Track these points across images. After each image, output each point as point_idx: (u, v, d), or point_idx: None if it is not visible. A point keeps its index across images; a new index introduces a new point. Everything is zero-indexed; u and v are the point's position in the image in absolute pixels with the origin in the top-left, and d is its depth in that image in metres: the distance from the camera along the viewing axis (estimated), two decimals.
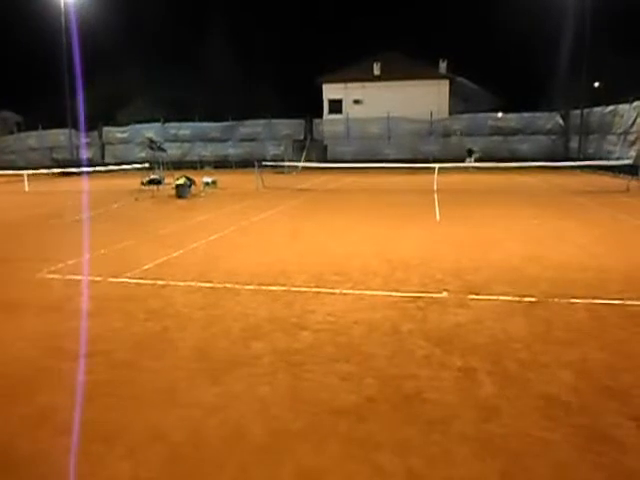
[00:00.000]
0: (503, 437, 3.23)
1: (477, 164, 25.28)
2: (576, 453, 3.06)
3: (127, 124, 38.64)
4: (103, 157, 38.53)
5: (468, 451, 3.09)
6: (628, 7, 33.09)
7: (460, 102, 37.86)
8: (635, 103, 23.47)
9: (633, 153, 22.26)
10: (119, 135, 38.84)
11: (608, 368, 4.13)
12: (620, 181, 19.23)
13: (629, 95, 24.06)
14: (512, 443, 3.17)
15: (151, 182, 19.09)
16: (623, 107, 24.94)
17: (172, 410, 3.63)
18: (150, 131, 35.49)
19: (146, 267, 7.61)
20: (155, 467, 3.02)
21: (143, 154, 32.18)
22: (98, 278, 7.03)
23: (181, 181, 17.25)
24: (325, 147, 35.68)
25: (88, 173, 28.09)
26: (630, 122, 23.96)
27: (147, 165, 21.87)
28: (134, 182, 20.03)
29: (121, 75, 41.11)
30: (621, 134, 24.97)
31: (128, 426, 3.44)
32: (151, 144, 22.96)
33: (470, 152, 28.13)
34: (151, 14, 45.46)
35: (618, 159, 22.06)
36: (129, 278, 7.03)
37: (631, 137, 23.78)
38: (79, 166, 29.40)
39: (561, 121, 32.72)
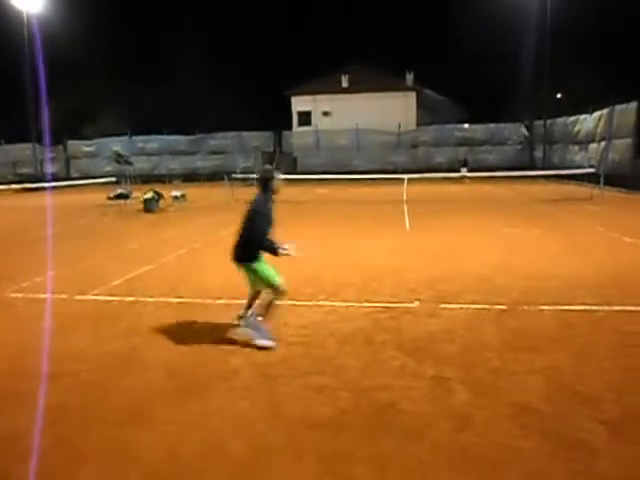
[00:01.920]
0: (477, 446, 3.24)
1: (469, 174, 25.61)
2: (549, 460, 3.09)
3: (93, 138, 38.05)
4: (68, 172, 37.78)
5: (443, 461, 3.10)
6: (587, 22, 34.31)
7: (427, 114, 38.52)
8: (595, 114, 24.23)
9: (594, 162, 22.92)
10: (85, 149, 38.20)
11: (577, 374, 4.21)
12: (584, 189, 19.77)
13: (589, 106, 24.82)
14: (486, 452, 3.19)
15: (118, 197, 18.79)
16: (584, 117, 25.70)
17: (147, 430, 3.54)
18: (117, 144, 34.91)
19: (114, 283, 7.46)
20: None
21: (110, 168, 31.69)
22: (64, 296, 6.85)
23: (149, 195, 17.02)
24: (295, 159, 35.77)
25: (53, 188, 27.48)
26: (591, 132, 24.70)
27: (114, 179, 21.54)
28: (101, 197, 19.70)
29: (87, 88, 40.52)
30: (583, 143, 25.70)
31: (100, 448, 3.33)
32: (118, 158, 22.66)
33: (465, 162, 28.53)
34: (118, 27, 45.09)
35: (580, 167, 22.67)
36: (97, 295, 6.87)
37: (592, 146, 24.50)
38: (43, 181, 28.75)
39: (526, 132, 33.56)
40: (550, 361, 4.46)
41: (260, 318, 4.99)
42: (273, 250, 5.08)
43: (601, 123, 23.55)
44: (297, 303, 6.30)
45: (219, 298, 6.57)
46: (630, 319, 5.49)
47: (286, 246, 5.26)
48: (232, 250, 5.10)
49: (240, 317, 5.26)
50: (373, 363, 4.52)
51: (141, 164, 33.11)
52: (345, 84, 37.60)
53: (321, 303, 6.29)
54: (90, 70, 41.73)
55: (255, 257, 5.01)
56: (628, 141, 20.60)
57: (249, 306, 5.32)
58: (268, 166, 5.64)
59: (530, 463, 3.07)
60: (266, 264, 5.08)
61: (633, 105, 20.27)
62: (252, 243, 5.05)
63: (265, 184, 5.27)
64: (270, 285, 5.01)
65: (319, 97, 37.46)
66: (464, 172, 26.91)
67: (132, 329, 5.54)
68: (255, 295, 5.31)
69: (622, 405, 3.68)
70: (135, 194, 18.89)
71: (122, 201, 18.41)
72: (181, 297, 6.68)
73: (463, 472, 3.00)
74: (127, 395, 4.05)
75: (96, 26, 41.20)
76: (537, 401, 3.76)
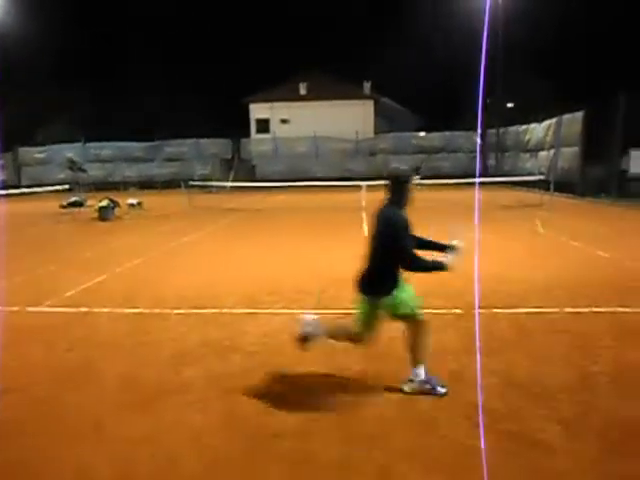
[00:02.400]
0: (439, 448, 3.28)
1: (423, 181, 26.01)
2: (508, 459, 3.16)
3: (45, 144, 36.87)
4: (19, 179, 36.45)
5: (407, 465, 3.12)
6: (538, 34, 35.62)
7: (385, 122, 39.06)
8: (544, 123, 25.07)
9: (544, 169, 23.70)
10: (37, 156, 36.92)
11: (532, 374, 4.32)
12: (534, 195, 20.40)
13: (539, 115, 25.69)
14: (448, 454, 3.23)
15: (72, 204, 18.26)
16: (534, 126, 26.57)
17: (99, 445, 3.43)
18: (70, 151, 33.94)
19: (68, 294, 7.23)
20: None
21: (63, 175, 30.74)
22: (15, 308, 6.59)
23: (104, 203, 16.60)
24: (253, 166, 35.60)
25: (3, 196, 26.49)
26: (541, 140, 25.55)
27: (67, 187, 20.93)
28: (54, 205, 19.10)
29: (38, 94, 39.25)
30: (533, 151, 26.55)
31: (51, 465, 3.21)
32: (71, 165, 22.02)
33: (417, 170, 28.99)
34: (70, 31, 43.95)
35: (531, 175, 23.40)
36: (49, 306, 6.64)
37: (542, 154, 25.34)
38: None
39: (479, 140, 34.43)
40: (505, 362, 4.56)
41: (420, 369, 4.08)
42: (437, 266, 4.22)
43: (550, 132, 24.39)
44: (255, 311, 6.25)
45: (177, 308, 6.45)
46: (580, 320, 5.69)
47: (452, 247, 4.52)
48: (359, 282, 4.17)
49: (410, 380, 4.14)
50: (334, 369, 4.52)
51: (95, 171, 32.27)
52: (303, 92, 37.75)
53: (280, 311, 6.26)
54: (41, 75, 40.50)
55: (396, 286, 4.05)
56: (575, 149, 21.39)
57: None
58: (400, 167, 4.49)
59: (489, 462, 3.13)
60: (408, 290, 4.17)
61: (579, 115, 21.09)
62: (392, 268, 4.05)
63: (400, 190, 4.20)
64: (411, 318, 4.12)
65: (277, 104, 37.46)
66: (416, 179, 27.33)
67: (86, 341, 5.37)
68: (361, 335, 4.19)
69: (575, 403, 3.80)
70: (89, 202, 18.39)
71: (76, 209, 17.90)
72: (137, 307, 6.53)
73: (426, 474, 3.03)
74: (79, 410, 3.92)
75: (48, 30, 40.02)
76: (494, 402, 3.84)
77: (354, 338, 4.23)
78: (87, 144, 36.02)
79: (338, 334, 4.38)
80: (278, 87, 38.05)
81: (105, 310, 6.44)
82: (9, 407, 3.97)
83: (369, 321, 4.11)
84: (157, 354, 4.97)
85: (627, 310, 5.98)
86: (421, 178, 27.34)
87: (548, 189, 18.58)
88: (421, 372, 4.07)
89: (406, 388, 4.07)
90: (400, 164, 33.72)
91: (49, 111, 40.26)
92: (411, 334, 4.15)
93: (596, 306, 6.12)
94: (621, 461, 3.11)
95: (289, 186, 23.83)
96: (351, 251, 10.12)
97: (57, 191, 21.33)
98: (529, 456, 3.19)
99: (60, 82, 40.72)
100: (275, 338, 5.32)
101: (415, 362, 4.11)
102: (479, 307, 6.17)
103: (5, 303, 6.82)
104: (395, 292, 4.02)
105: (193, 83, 45.65)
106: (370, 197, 20.45)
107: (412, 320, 4.11)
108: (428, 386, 4.03)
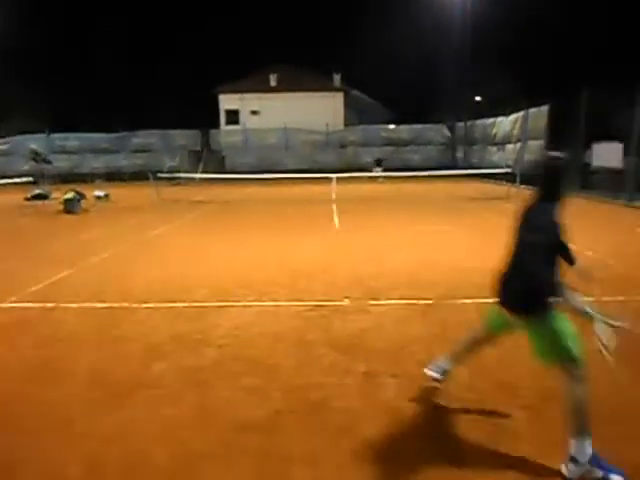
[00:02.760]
0: (407, 437, 3.35)
1: (384, 173, 26.16)
2: (475, 445, 3.24)
3: (8, 135, 35.76)
4: None
5: (375, 455, 3.18)
6: (505, 27, 36.18)
7: (355, 114, 39.15)
8: (511, 116, 25.51)
9: (511, 162, 24.14)
10: None
11: (499, 363, 4.43)
12: (501, 188, 20.77)
13: (506, 108, 26.12)
14: (415, 442, 3.30)
15: (36, 197, 17.79)
16: (501, 119, 27.01)
17: (68, 442, 3.39)
18: (34, 142, 33.02)
19: (33, 289, 7.07)
20: None
21: (27, 167, 29.91)
22: None
23: (70, 195, 16.22)
24: (223, 158, 35.27)
25: None
26: (508, 133, 26.00)
27: (31, 179, 20.36)
28: (17, 198, 18.57)
29: None
30: (500, 144, 27.01)
31: (19, 463, 3.16)
32: (35, 156, 21.40)
33: (379, 162, 29.05)
34: (33, 19, 42.62)
35: (498, 167, 23.81)
36: (14, 302, 6.49)
37: (509, 147, 25.80)
38: None
39: (448, 133, 34.86)
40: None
41: (585, 444, 2.97)
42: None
43: (517, 125, 24.84)
44: (226, 304, 6.23)
45: (146, 302, 6.38)
46: None
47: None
48: (503, 292, 3.41)
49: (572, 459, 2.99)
50: (305, 362, 4.55)
51: (61, 163, 31.43)
52: (273, 83, 37.53)
53: (251, 303, 6.26)
54: (3, 64, 39.24)
55: (549, 305, 3.13)
56: (541, 142, 21.84)
57: None
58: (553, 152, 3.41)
59: (456, 449, 3.21)
60: (566, 318, 3.19)
61: (545, 109, 21.53)
62: (546, 281, 3.16)
63: (554, 181, 3.41)
64: (565, 356, 3.08)
65: (247, 96, 37.16)
66: (378, 172, 27.54)
67: (53, 337, 5.28)
68: None
69: (539, 390, 3.92)
70: (55, 194, 17.94)
71: (40, 202, 17.44)
72: (105, 302, 6.43)
73: (395, 463, 3.09)
74: (47, 407, 3.85)
75: (8, 18, 38.77)
76: (463, 390, 3.94)
77: (571, 370, 3.09)
78: (51, 135, 35.11)
79: (577, 409, 3.03)
80: (248, 78, 37.74)
81: (72, 305, 6.33)
82: None
83: (559, 335, 3.11)
84: (127, 349, 4.92)
85: (590, 299, 6.15)
86: (383, 170, 27.57)
87: (514, 181, 18.95)
88: (588, 449, 2.96)
89: (566, 471, 2.96)
90: (369, 156, 33.97)
91: (10, 102, 39.04)
92: (569, 388, 3.06)
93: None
94: None
95: (259, 178, 23.72)
96: (322, 243, 10.17)
97: (21, 183, 20.76)
98: (495, 441, 3.28)
99: (22, 72, 39.56)
100: (246, 331, 5.32)
101: (577, 432, 2.99)
102: (448, 297, 6.27)
103: None
104: (553, 312, 3.11)
105: (161, 73, 44.93)
106: (340, 189, 20.53)
107: (566, 359, 3.08)
108: (600, 473, 2.92)
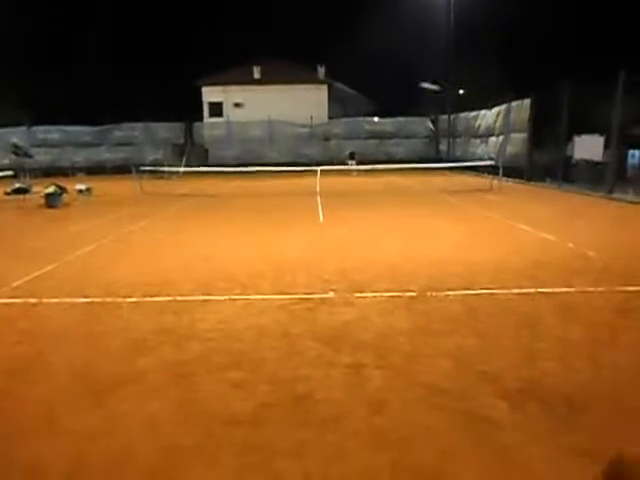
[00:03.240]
0: (392, 428, 3.38)
1: (358, 167, 26.21)
2: (458, 436, 3.28)
3: None
4: None
5: (360, 446, 3.20)
6: (488, 21, 36.34)
7: (338, 107, 39.08)
8: (494, 109, 25.66)
9: (494, 155, 24.33)
10: None
11: (481, 354, 4.48)
12: (484, 180, 20.95)
13: (489, 101, 26.27)
14: (401, 433, 3.33)
15: (17, 191, 17.53)
16: (484, 112, 27.16)
17: (52, 439, 3.36)
18: (14, 135, 32.46)
19: (15, 284, 6.97)
20: None
21: (7, 161, 29.44)
22: None
23: (51, 189, 15.99)
24: (206, 151, 35.00)
25: None
26: (491, 126, 26.16)
27: (11, 173, 20.05)
28: None
29: None
30: (483, 137, 27.19)
31: (2, 461, 3.12)
32: (15, 150, 21.09)
33: (352, 155, 29.14)
34: (15, 9, 41.75)
35: (481, 160, 23.97)
36: None
37: (492, 140, 25.97)
38: None
39: (431, 125, 34.98)
40: (457, 343, 4.71)
41: None
42: None
43: (499, 118, 24.99)
44: (212, 298, 6.21)
45: (129, 296, 6.33)
46: (526, 300, 5.92)
47: None
48: None
49: None
50: (290, 354, 4.56)
51: (42, 156, 31.00)
52: (257, 75, 37.26)
53: (236, 297, 6.24)
54: None
55: None
56: (524, 135, 22.02)
57: None
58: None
59: (440, 440, 3.25)
60: None
61: (527, 102, 21.69)
62: None
63: None
64: None
65: (230, 88, 36.86)
66: (351, 164, 27.64)
67: (36, 333, 5.22)
68: None
69: (520, 381, 3.97)
70: (36, 188, 17.69)
71: (21, 196, 17.18)
72: (88, 297, 6.37)
73: (379, 454, 3.12)
74: (31, 403, 3.81)
75: None
76: (446, 381, 3.97)
77: None
78: (32, 128, 34.52)
79: None
80: (231, 70, 37.41)
81: (55, 300, 6.26)
82: None
83: None
84: (110, 344, 4.88)
85: (571, 290, 6.26)
86: (357, 163, 27.63)
87: (497, 174, 19.11)
88: None
89: None
90: (353, 149, 33.99)
91: None
92: None
93: (542, 287, 6.38)
94: (565, 434, 3.27)
95: (243, 171, 23.61)
96: (306, 236, 10.17)
97: (1, 177, 20.44)
98: (478, 431, 3.32)
99: (1, 64, 38.76)
100: (231, 324, 5.31)
101: None
102: (432, 289, 6.32)
103: None
104: None
105: (144, 65, 44.39)
106: (325, 182, 20.53)
107: None
108: None
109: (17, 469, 3.07)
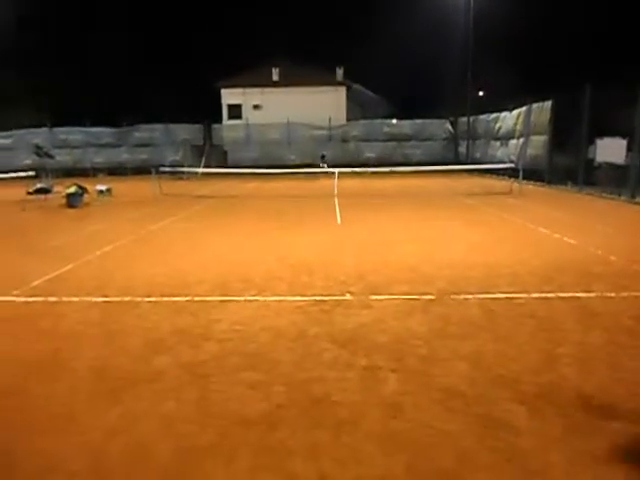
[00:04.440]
0: (408, 432, 3.35)
1: (329, 169, 26.31)
2: (475, 440, 3.24)
3: (10, 129, 35.76)
4: None
5: (376, 449, 3.18)
6: (509, 22, 36.03)
7: (356, 108, 39.08)
8: (514, 111, 25.41)
9: (514, 157, 24.08)
10: (1, 141, 35.83)
11: (499, 358, 4.43)
12: (504, 183, 20.75)
13: (509, 103, 26.02)
14: (416, 437, 3.30)
15: (38, 191, 17.82)
16: (505, 115, 26.91)
17: (69, 437, 3.40)
18: (37, 137, 33.04)
19: (35, 283, 7.09)
20: None
21: (29, 161, 29.97)
22: None
23: (72, 189, 16.23)
24: (225, 152, 35.25)
25: None
26: (511, 129, 25.92)
27: (34, 173, 20.40)
28: (19, 192, 18.61)
29: (0, 77, 37.98)
30: (503, 139, 26.94)
31: (19, 458, 3.17)
32: (38, 150, 21.46)
33: (323, 157, 29.74)
34: (35, 11, 42.53)
35: (501, 162, 23.75)
36: (16, 296, 6.50)
37: (512, 142, 25.72)
38: None
39: (450, 128, 34.76)
40: (475, 347, 4.66)
41: None
42: None
43: (520, 120, 24.75)
44: (228, 299, 6.24)
45: (148, 296, 6.39)
46: (546, 305, 5.84)
47: None
48: None
49: None
50: (306, 356, 4.56)
51: (63, 157, 31.47)
52: (276, 77, 37.43)
53: (252, 298, 6.26)
54: (4, 57, 39.18)
55: None
56: (544, 137, 21.78)
57: None
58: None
59: (457, 443, 3.21)
60: None
61: (548, 104, 21.45)
62: None
63: None
64: None
65: (249, 90, 37.09)
66: (324, 167, 27.73)
67: (55, 331, 5.29)
68: None
69: (539, 385, 3.92)
70: (57, 188, 17.97)
71: (43, 196, 17.48)
72: (107, 296, 6.45)
73: (394, 457, 3.10)
74: (49, 401, 3.87)
75: (9, 13, 38.69)
76: (463, 385, 3.94)
77: None
78: (54, 129, 35.10)
79: None
80: (250, 72, 37.64)
81: (74, 299, 6.35)
82: None
83: None
84: (128, 343, 4.93)
85: (591, 294, 6.16)
86: (328, 166, 27.71)
87: (517, 177, 18.91)
88: None
89: None
90: (371, 151, 33.95)
91: (12, 95, 39.01)
92: None
93: (562, 291, 6.29)
94: (583, 439, 3.22)
95: (261, 173, 23.70)
96: (323, 238, 10.17)
97: (23, 177, 20.80)
98: (495, 436, 3.28)
99: (24, 66, 39.52)
100: (247, 325, 5.33)
101: None
102: (450, 293, 6.27)
103: None
104: None
105: (164, 67, 44.86)
106: (342, 184, 20.52)
107: None
108: None
109: (35, 465, 3.11)
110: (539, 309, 5.69)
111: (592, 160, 18.64)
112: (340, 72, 38.30)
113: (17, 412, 3.72)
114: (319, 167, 27.51)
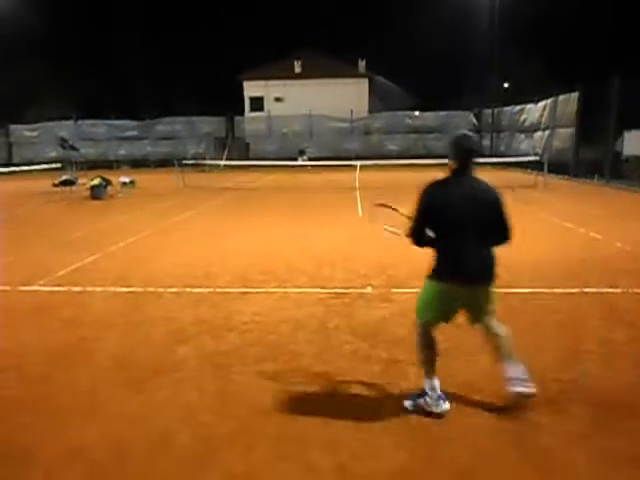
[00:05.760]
0: (428, 425, 3.34)
1: (308, 162, 26.20)
2: (495, 435, 3.22)
3: (36, 122, 36.39)
4: (10, 157, 36.03)
5: (394, 442, 3.17)
6: (534, 13, 35.33)
7: (378, 100, 38.80)
8: (540, 103, 24.97)
9: (539, 150, 23.68)
10: (28, 134, 36.48)
11: (522, 353, 4.33)
12: (528, 176, 20.43)
13: (534, 95, 25.57)
14: (436, 430, 3.29)
15: (64, 183, 18.14)
16: (530, 106, 26.46)
17: (92, 424, 3.46)
18: (62, 129, 33.57)
19: (60, 273, 7.22)
20: None
21: (54, 154, 30.50)
22: (7, 287, 6.58)
23: (96, 181, 16.48)
24: (247, 145, 35.37)
25: None
26: (536, 121, 25.48)
27: (59, 165, 20.75)
28: (45, 183, 18.97)
29: (28, 70, 38.62)
30: (528, 132, 26.50)
31: (45, 444, 3.24)
32: (63, 143, 21.80)
33: (302, 152, 29.74)
34: (61, 6, 43.11)
35: (526, 155, 23.37)
36: (41, 286, 6.64)
37: (537, 134, 25.29)
38: None
39: (474, 120, 34.30)
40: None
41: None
42: None
43: (545, 112, 24.31)
44: (249, 290, 6.28)
45: (170, 287, 6.47)
46: (570, 300, 5.75)
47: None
48: (474, 269, 3.56)
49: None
50: (326, 348, 4.56)
51: (88, 149, 31.93)
52: (298, 70, 37.38)
53: (273, 290, 6.29)
54: (31, 51, 39.83)
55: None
56: (571, 130, 21.36)
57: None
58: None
59: (476, 439, 3.19)
60: None
61: (575, 95, 21.01)
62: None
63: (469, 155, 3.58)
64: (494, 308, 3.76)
65: (271, 82, 37.11)
66: (302, 160, 27.66)
67: (79, 320, 5.39)
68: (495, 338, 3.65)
69: (561, 382, 3.86)
70: (81, 180, 18.26)
71: (68, 188, 17.78)
72: (130, 286, 6.54)
73: (414, 450, 3.09)
74: (73, 389, 3.94)
75: (37, 4, 39.24)
76: (483, 380, 3.90)
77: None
78: (79, 122, 35.59)
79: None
80: (272, 65, 37.65)
81: (98, 289, 6.45)
82: (3, 387, 3.99)
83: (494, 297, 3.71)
84: (151, 333, 5.00)
85: (617, 291, 6.04)
86: (308, 159, 27.65)
87: (542, 170, 18.59)
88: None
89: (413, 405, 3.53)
90: (393, 144, 33.71)
91: (39, 89, 39.65)
92: (496, 337, 3.66)
93: (586, 287, 6.18)
94: (607, 438, 3.17)
95: (283, 165, 23.72)
96: (345, 231, 10.15)
97: (49, 170, 21.18)
98: (516, 432, 3.25)
99: (50, 59, 40.10)
100: (268, 317, 5.35)
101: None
102: None
103: None
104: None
105: (186, 60, 45.11)
106: (364, 177, 20.43)
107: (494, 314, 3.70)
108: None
109: (59, 452, 3.18)
110: (562, 305, 5.60)
111: (619, 153, 18.25)
112: (362, 64, 38.07)
113: (42, 399, 3.80)
114: (298, 161, 27.69)
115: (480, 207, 3.39)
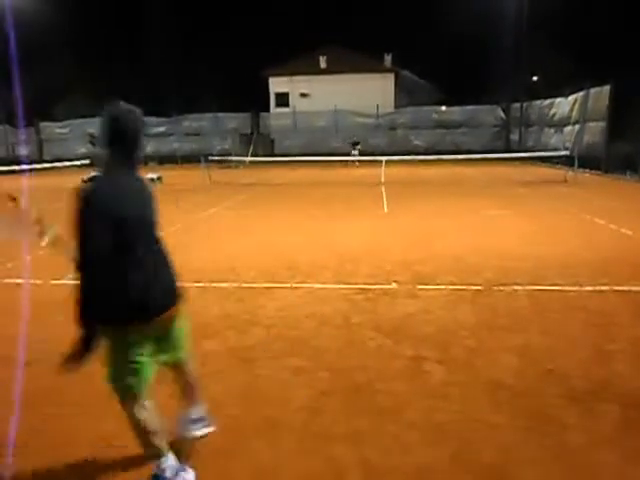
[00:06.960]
0: (452, 423, 3.32)
1: (359, 157, 25.54)
2: (521, 434, 3.18)
3: (65, 119, 37.13)
4: (41, 154, 36.89)
5: (419, 438, 3.17)
6: (562, 8, 34.50)
7: (404, 95, 38.49)
8: (570, 97, 24.45)
9: (569, 145, 23.21)
10: (58, 131, 37.32)
11: (548, 351, 4.32)
12: (558, 172, 20.06)
13: (564, 89, 25.05)
14: (461, 428, 3.26)
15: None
16: (560, 100, 25.94)
17: (121, 415, 3.52)
18: (91, 126, 34.17)
19: None
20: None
21: (84, 150, 31.12)
22: (39, 281, 6.75)
23: None
24: (272, 141, 35.51)
25: (26, 171, 26.80)
26: (566, 115, 24.97)
27: (88, 162, 21.16)
28: (75, 179, 19.29)
29: (56, 68, 39.36)
30: (558, 126, 25.99)
31: (75, 434, 3.33)
32: (92, 139, 22.24)
33: (355, 144, 28.41)
34: (90, 3, 43.79)
35: (555, 150, 22.94)
36: (72, 279, 6.77)
37: (567, 129, 24.78)
38: (16, 164, 28.02)
39: (502, 114, 33.79)
40: (523, 339, 4.56)
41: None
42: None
43: (576, 106, 23.80)
44: (273, 285, 6.32)
45: (197, 281, 6.55)
46: (599, 298, 5.64)
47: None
48: (151, 298, 2.76)
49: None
50: (350, 344, 4.57)
51: None
52: (323, 65, 37.30)
53: (297, 285, 6.32)
54: (61, 48, 40.57)
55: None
56: (602, 124, 20.88)
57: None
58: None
59: (503, 437, 3.16)
60: None
61: (607, 89, 20.52)
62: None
63: (132, 141, 2.84)
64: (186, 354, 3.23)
65: (297, 78, 37.12)
66: (355, 154, 26.79)
67: None
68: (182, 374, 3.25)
69: (589, 381, 3.80)
70: None
71: None
72: None
73: (438, 448, 3.07)
74: (96, 381, 4.01)
75: (66, 2, 39.93)
76: (510, 378, 3.86)
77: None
78: None
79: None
80: (298, 60, 37.65)
81: None
82: (34, 378, 4.08)
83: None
84: None
85: None
86: (360, 154, 26.81)
87: (572, 165, 18.23)
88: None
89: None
90: (419, 139, 33.43)
91: (68, 86, 40.39)
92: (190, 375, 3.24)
93: (616, 284, 6.05)
94: (635, 438, 3.11)
95: (308, 161, 23.74)
96: (370, 226, 10.13)
97: (79, 166, 21.60)
98: (541, 431, 3.21)
99: (79, 57, 40.78)
100: (291, 312, 5.38)
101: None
102: (498, 284, 6.14)
103: (29, 276, 6.98)
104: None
105: (212, 56, 45.38)
106: (390, 172, 20.33)
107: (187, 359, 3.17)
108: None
109: (88, 442, 3.25)
110: (591, 302, 5.50)
111: None
112: (388, 58, 37.79)
113: (74, 390, 3.87)
114: (351, 155, 26.81)
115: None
